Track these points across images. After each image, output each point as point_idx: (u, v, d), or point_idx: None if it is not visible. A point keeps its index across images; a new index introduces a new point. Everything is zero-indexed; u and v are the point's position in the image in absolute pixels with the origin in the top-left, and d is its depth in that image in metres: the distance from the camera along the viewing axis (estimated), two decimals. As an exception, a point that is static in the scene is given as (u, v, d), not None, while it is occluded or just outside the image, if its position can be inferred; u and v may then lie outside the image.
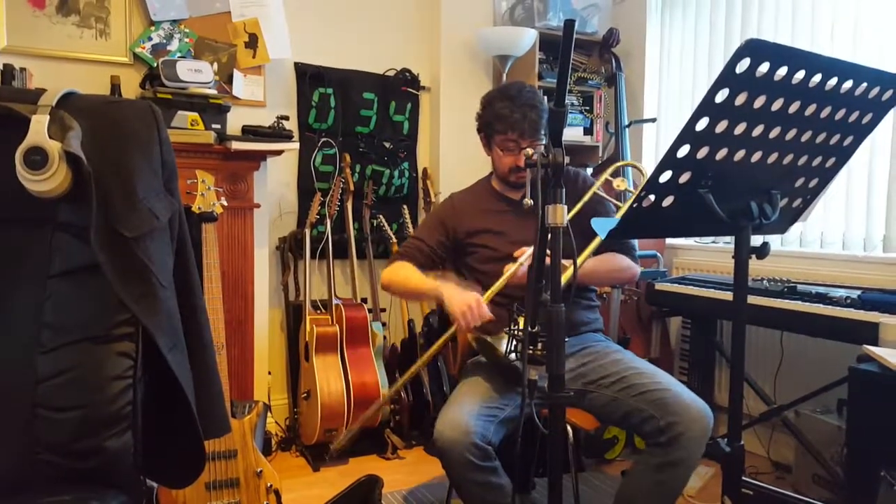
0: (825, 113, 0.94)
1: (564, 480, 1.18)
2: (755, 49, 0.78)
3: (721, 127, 0.87)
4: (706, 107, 0.83)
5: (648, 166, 3.23)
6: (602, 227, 1.19)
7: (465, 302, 1.54)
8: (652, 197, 0.92)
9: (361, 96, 3.07)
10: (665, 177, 0.90)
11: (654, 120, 3.10)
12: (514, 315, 1.38)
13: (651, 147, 3.22)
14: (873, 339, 1.64)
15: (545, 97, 1.85)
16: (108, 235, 0.96)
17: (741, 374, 1.03)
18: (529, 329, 0.99)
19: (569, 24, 0.82)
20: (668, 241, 2.99)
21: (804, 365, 2.40)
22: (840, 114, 0.95)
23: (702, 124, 0.85)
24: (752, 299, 2.14)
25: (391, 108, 3.16)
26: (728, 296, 2.24)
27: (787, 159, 0.99)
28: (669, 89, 3.13)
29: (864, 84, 0.92)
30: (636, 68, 3.22)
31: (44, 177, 0.94)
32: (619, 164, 1.69)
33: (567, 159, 0.87)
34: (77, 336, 0.96)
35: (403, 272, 1.81)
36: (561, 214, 0.83)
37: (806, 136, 0.97)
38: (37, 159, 0.94)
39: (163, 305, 1.03)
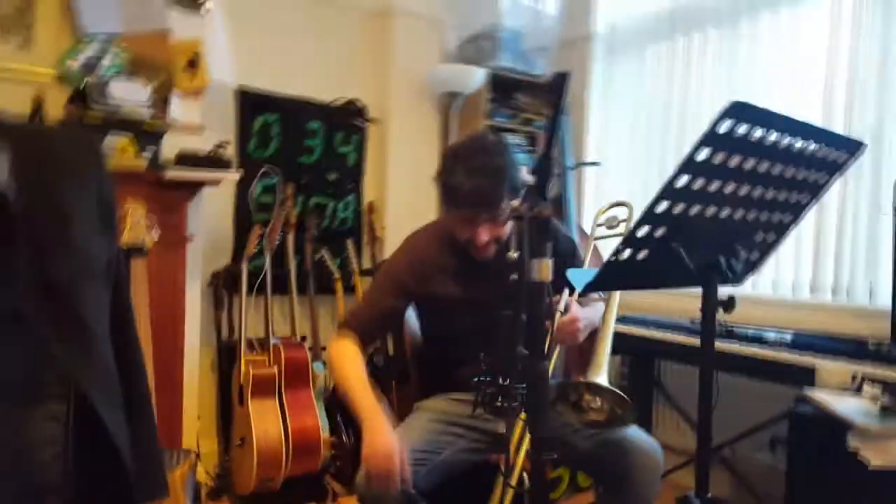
0: (789, 173, 0.96)
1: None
2: (739, 111, 0.79)
3: (698, 184, 0.87)
4: (687, 165, 0.83)
5: (590, 207, 3.30)
6: (578, 278, 1.18)
7: (384, 459, 1.36)
8: (628, 251, 0.91)
9: (306, 125, 3.00)
10: (642, 231, 0.89)
11: (597, 163, 3.17)
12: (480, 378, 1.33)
13: (592, 188, 3.30)
14: (808, 381, 1.71)
15: (509, 155, 1.62)
16: (38, 281, 0.85)
17: (708, 425, 1.02)
18: (501, 382, 0.96)
19: (562, 77, 0.80)
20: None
21: (739, 403, 2.47)
22: (802, 173, 0.98)
23: (681, 181, 0.85)
24: (692, 340, 2.19)
25: (337, 139, 3.10)
26: (667, 336, 2.31)
27: (752, 215, 1.01)
28: (612, 133, 3.23)
29: (825, 146, 0.95)
30: (580, 111, 3.31)
31: (-39, 213, 0.83)
32: (611, 203, 1.65)
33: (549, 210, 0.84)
34: (2, 393, 0.84)
35: (346, 362, 1.60)
36: (546, 270, 0.80)
37: (770, 194, 0.99)
38: (-45, 194, 0.83)
39: (99, 361, 0.92)
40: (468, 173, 1.53)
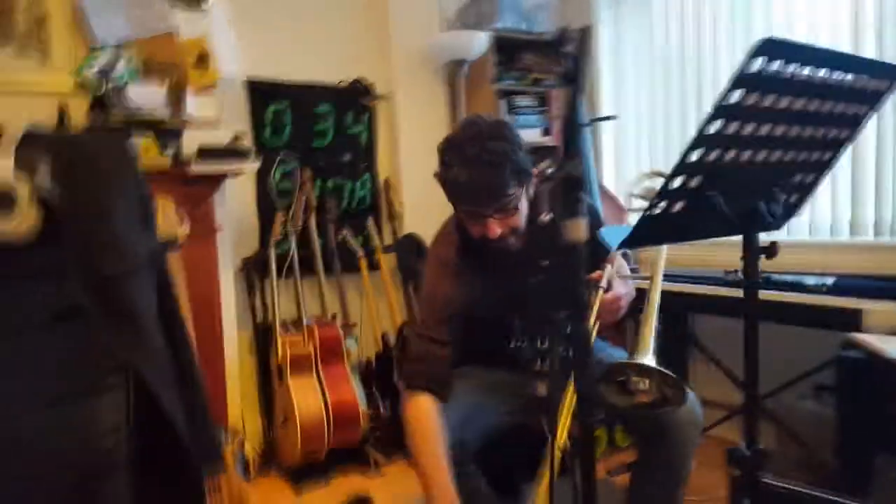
0: (827, 107, 0.95)
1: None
2: (769, 48, 0.78)
3: (732, 129, 0.86)
4: (719, 109, 0.82)
5: (608, 164, 3.27)
6: (613, 236, 1.17)
7: None
8: (663, 204, 0.91)
9: (316, 109, 3.00)
10: (677, 183, 0.89)
11: (614, 117, 3.13)
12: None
13: (610, 144, 3.26)
14: (854, 325, 1.67)
15: (508, 137, 1.46)
16: (89, 279, 0.89)
17: (755, 376, 1.03)
18: (539, 345, 0.97)
19: (585, 31, 0.80)
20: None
21: (780, 353, 2.44)
22: (839, 107, 0.96)
23: (714, 127, 0.84)
24: (730, 292, 2.16)
25: (348, 120, 3.09)
26: (701, 289, 2.28)
27: (789, 156, 1.00)
28: (625, 85, 3.17)
29: (864, 76, 0.93)
30: (590, 66, 3.24)
31: (12, 220, 0.86)
32: (647, 173, 1.57)
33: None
34: (65, 389, 0.89)
35: (421, 438, 1.44)
36: (581, 230, 0.80)
37: (807, 133, 0.98)
38: (3, 201, 0.85)
39: (151, 346, 0.97)
40: (464, 165, 1.40)
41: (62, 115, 2.22)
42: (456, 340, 1.79)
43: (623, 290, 1.46)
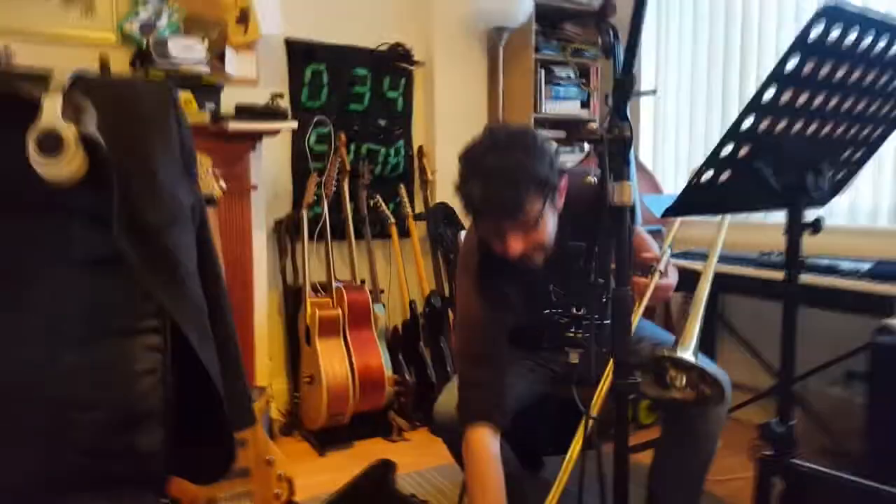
0: (883, 80, 0.91)
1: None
2: (831, 14, 0.74)
3: (786, 97, 0.83)
4: (776, 76, 0.79)
5: (646, 139, 3.20)
6: (656, 205, 1.15)
7: None
8: (710, 172, 0.89)
9: (354, 72, 2.98)
10: (726, 150, 0.86)
11: (654, 92, 3.05)
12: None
13: (649, 119, 3.19)
14: (889, 311, 1.64)
15: (530, 146, 1.34)
16: (131, 223, 0.90)
17: (792, 353, 1.01)
18: (574, 312, 0.96)
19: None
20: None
21: (810, 338, 2.39)
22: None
23: (769, 94, 0.81)
24: (762, 273, 2.12)
25: (385, 85, 3.07)
26: (735, 269, 2.24)
27: (840, 130, 0.97)
28: (668, 60, 3.09)
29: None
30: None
31: (59, 162, 0.87)
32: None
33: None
34: (101, 330, 0.91)
35: (476, 475, 1.38)
36: (628, 193, 0.78)
37: (861, 106, 0.94)
38: (51, 144, 0.87)
39: (190, 295, 0.98)
40: (480, 178, 1.31)
41: (103, 68, 2.24)
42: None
43: (674, 279, 1.43)
